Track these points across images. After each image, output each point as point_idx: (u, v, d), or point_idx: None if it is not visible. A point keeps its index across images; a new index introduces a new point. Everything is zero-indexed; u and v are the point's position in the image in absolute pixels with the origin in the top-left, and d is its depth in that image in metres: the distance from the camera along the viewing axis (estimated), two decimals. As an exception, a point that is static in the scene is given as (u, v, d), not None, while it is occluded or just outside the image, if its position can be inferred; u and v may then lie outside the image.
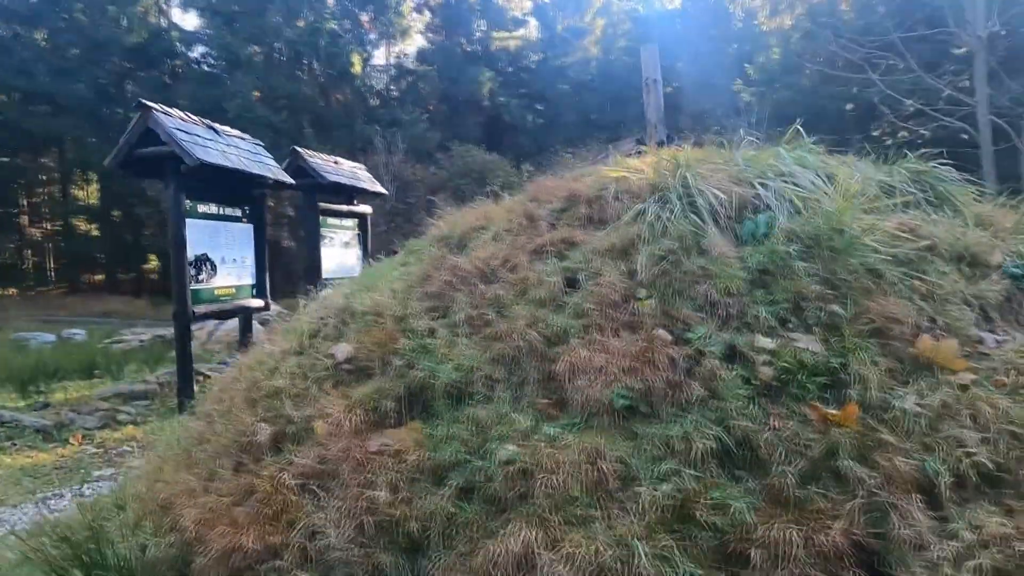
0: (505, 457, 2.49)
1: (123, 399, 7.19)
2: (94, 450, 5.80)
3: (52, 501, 4.58)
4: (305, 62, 24.85)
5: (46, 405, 6.68)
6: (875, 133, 13.04)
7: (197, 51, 29.94)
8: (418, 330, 3.13)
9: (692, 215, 3.07)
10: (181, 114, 7.04)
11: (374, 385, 3.03)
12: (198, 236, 7.04)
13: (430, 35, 29.49)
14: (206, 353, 11.53)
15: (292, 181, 8.48)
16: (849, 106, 13.30)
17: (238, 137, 8.06)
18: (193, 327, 12.87)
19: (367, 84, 25.86)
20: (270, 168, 8.12)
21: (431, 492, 2.55)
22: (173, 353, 11.56)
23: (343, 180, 9.80)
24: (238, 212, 7.92)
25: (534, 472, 2.41)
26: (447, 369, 2.88)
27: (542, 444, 2.48)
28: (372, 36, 26.87)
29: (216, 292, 7.47)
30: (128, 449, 5.83)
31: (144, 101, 6.62)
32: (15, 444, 5.76)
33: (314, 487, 2.69)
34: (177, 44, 29.67)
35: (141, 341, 12.31)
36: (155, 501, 3.17)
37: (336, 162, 10.39)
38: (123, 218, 31.11)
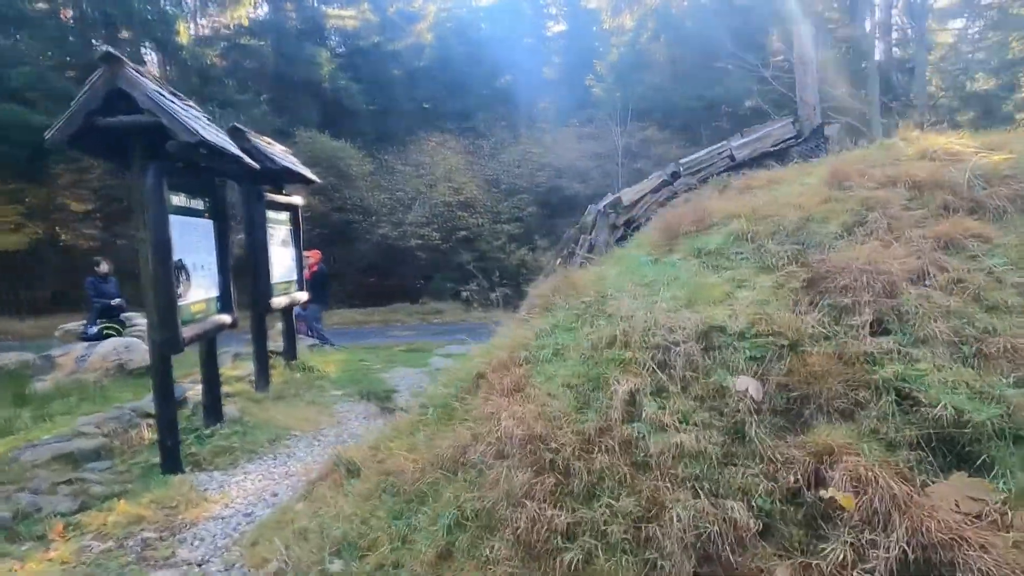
0: None
1: (69, 463, 5.16)
2: (100, 545, 4.01)
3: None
4: (113, 27, 20.73)
5: (-24, 488, 4.56)
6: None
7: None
8: (874, 355, 2.45)
9: None
10: (148, 71, 5.23)
11: (850, 430, 2.31)
12: (175, 238, 5.28)
13: (259, 10, 26.36)
14: (75, 385, 9.06)
15: (257, 166, 6.82)
16: (749, 103, 14.12)
17: (194, 107, 6.25)
18: (55, 353, 10.18)
19: (194, 57, 22.29)
20: (236, 148, 6.41)
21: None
22: (39, 383, 8.93)
23: (291, 166, 8.17)
24: (200, 205, 6.14)
25: None
26: (970, 402, 2.26)
27: None
28: (194, 3, 23.28)
29: (192, 309, 5.72)
30: (152, 536, 4.15)
31: (111, 51, 4.77)
32: (-25, 555, 3.81)
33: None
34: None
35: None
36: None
37: (270, 143, 8.65)
38: None
